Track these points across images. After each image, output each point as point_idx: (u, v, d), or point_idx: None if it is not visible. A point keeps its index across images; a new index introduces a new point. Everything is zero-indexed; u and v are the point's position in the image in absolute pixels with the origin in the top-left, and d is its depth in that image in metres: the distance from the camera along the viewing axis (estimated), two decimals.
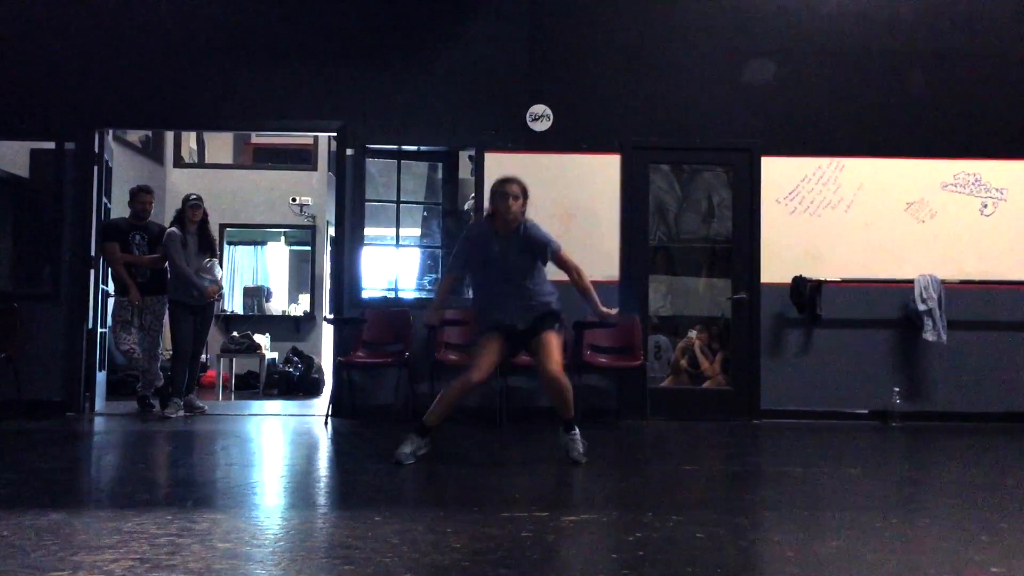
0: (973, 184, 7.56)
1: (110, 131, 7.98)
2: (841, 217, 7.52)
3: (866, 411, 7.40)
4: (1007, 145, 7.56)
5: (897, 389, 7.29)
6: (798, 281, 7.37)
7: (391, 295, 7.88)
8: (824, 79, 7.61)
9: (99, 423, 7.01)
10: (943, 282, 7.31)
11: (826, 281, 7.38)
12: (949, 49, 7.62)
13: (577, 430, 5.08)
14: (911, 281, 7.34)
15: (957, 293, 7.34)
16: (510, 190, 4.93)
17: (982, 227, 7.53)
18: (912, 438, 6.66)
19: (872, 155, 7.55)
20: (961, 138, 7.57)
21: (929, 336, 7.23)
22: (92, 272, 7.50)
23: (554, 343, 5.00)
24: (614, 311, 5.17)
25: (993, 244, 7.49)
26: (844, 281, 7.40)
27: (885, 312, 7.44)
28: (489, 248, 5.02)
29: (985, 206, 7.55)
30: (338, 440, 6.37)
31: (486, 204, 5.35)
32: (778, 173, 7.53)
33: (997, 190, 7.55)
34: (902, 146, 7.55)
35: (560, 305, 5.14)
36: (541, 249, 5.03)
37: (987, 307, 7.42)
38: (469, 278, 5.38)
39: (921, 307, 7.25)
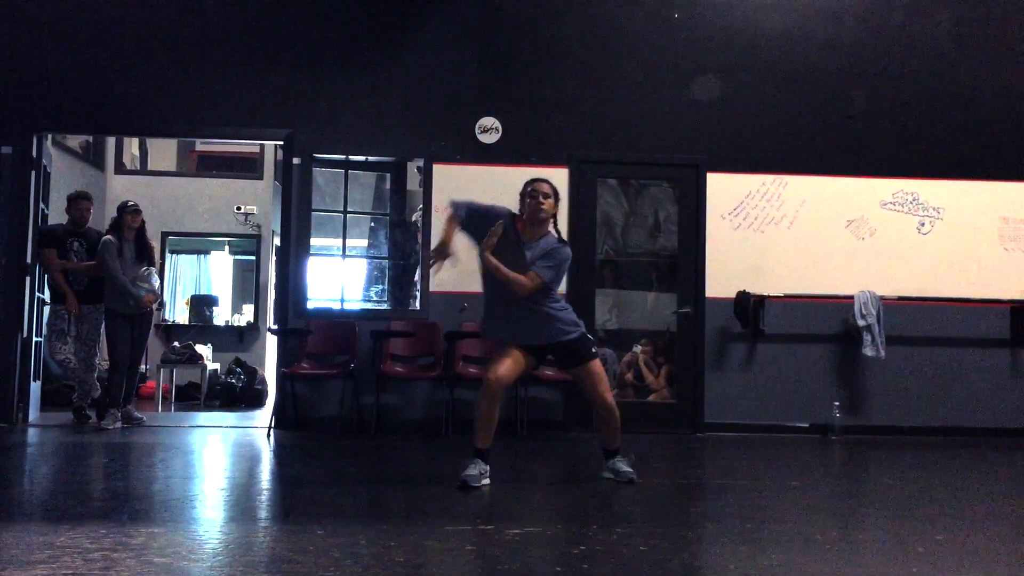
0: (911, 203, 7.74)
1: (49, 136, 7.80)
2: (784, 233, 7.64)
3: (807, 424, 7.51)
4: (944, 165, 7.75)
5: (837, 403, 7.41)
6: (742, 296, 7.46)
7: (337, 306, 7.81)
8: (769, 98, 7.74)
9: (33, 434, 6.82)
10: (882, 298, 7.47)
11: (769, 296, 7.48)
12: (889, 71, 7.80)
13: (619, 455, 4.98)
14: (851, 297, 7.48)
15: (895, 309, 7.50)
16: (540, 188, 4.72)
17: (919, 245, 7.71)
18: (851, 451, 6.77)
19: (814, 173, 7.69)
20: (900, 158, 7.75)
21: (868, 351, 7.37)
22: (28, 279, 7.31)
23: (602, 371, 4.89)
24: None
25: (930, 261, 7.67)
26: (786, 296, 7.51)
27: (826, 327, 7.57)
28: (514, 252, 4.66)
29: (922, 224, 7.74)
30: (280, 452, 6.28)
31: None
32: (723, 189, 7.63)
33: (934, 209, 7.74)
34: (843, 165, 7.71)
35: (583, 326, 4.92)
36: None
37: (924, 323, 7.60)
38: (482, 285, 4.82)
39: (861, 322, 7.39)
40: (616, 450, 4.99)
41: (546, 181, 4.81)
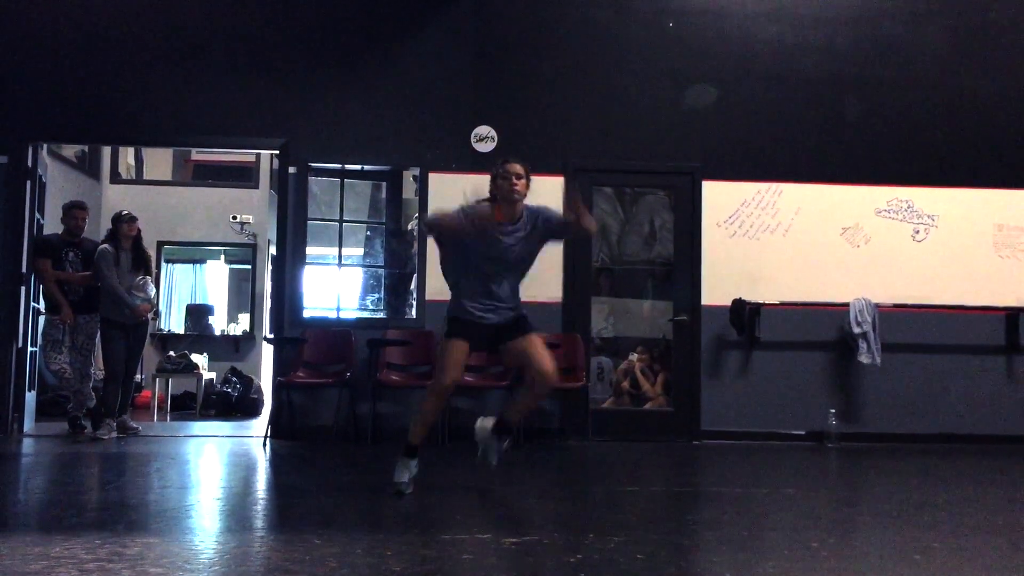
0: (906, 210, 7.76)
1: (44, 145, 7.79)
2: (779, 241, 7.65)
3: (803, 432, 7.51)
4: (938, 173, 7.78)
5: (833, 410, 7.41)
6: (738, 303, 7.47)
7: (333, 315, 7.81)
8: (764, 106, 7.76)
9: (28, 444, 6.80)
10: (877, 306, 7.48)
11: (765, 304, 7.49)
12: (883, 78, 7.83)
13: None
14: (847, 304, 7.49)
15: (891, 316, 7.50)
16: (512, 169, 4.65)
17: (914, 252, 7.72)
18: (847, 459, 6.77)
19: (809, 181, 7.71)
20: (894, 165, 7.77)
21: (864, 358, 7.38)
22: (23, 289, 7.30)
23: (544, 344, 4.76)
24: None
25: (925, 269, 7.69)
26: (782, 304, 7.52)
27: (821, 335, 7.58)
28: (492, 241, 4.62)
29: (917, 232, 7.75)
30: (276, 462, 6.27)
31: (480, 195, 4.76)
32: (719, 197, 7.64)
33: (928, 216, 7.76)
34: (838, 172, 7.73)
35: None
36: (559, 226, 4.73)
37: (919, 330, 7.61)
38: (457, 273, 4.80)
39: (856, 330, 7.40)
40: (509, 430, 4.89)
41: (518, 162, 4.72)
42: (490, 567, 3.22)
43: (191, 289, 12.14)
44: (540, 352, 4.68)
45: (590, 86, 7.70)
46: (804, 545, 3.66)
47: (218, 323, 11.65)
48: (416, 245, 7.61)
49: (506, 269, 4.70)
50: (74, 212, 7.46)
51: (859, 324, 7.40)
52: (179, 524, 4.01)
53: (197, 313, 11.49)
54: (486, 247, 4.63)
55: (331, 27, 7.64)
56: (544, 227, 4.74)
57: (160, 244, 10.99)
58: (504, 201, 4.67)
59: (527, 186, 4.71)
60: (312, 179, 7.64)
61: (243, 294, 11.90)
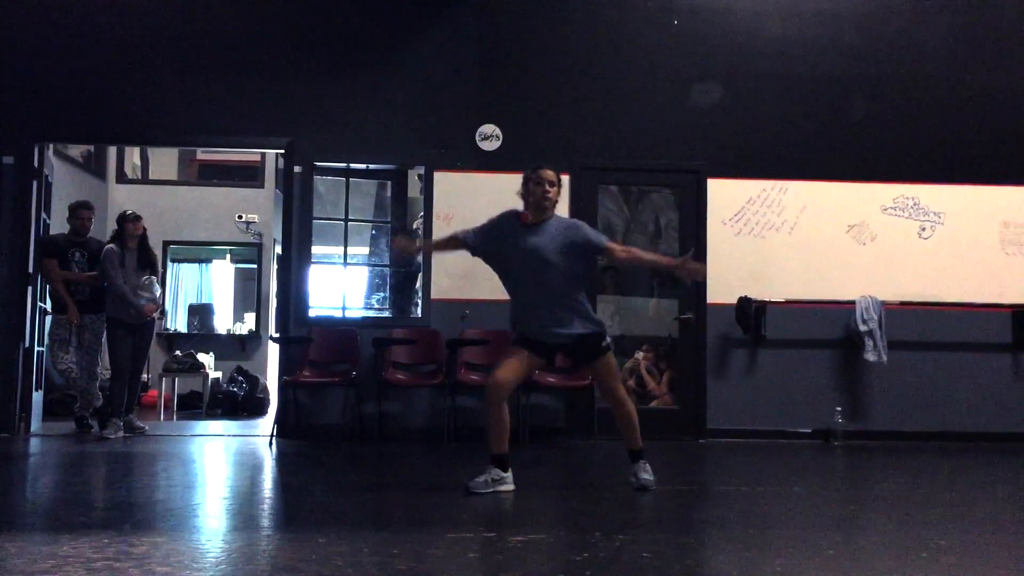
0: (912, 208, 7.74)
1: (50, 145, 7.82)
2: (785, 239, 7.64)
3: (809, 430, 7.50)
4: (944, 170, 7.76)
5: (839, 408, 7.40)
6: (743, 302, 7.46)
7: (338, 314, 7.82)
8: (769, 103, 7.75)
9: (35, 444, 6.82)
10: (883, 303, 7.46)
11: (771, 302, 7.48)
12: (889, 75, 7.81)
13: (645, 459, 4.90)
14: (853, 302, 7.48)
15: (897, 314, 7.49)
16: (545, 175, 4.74)
17: (921, 250, 7.70)
18: (854, 457, 6.76)
19: (815, 178, 7.69)
20: (900, 163, 7.76)
21: (870, 356, 7.37)
22: (30, 289, 7.32)
23: (612, 366, 4.85)
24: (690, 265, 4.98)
25: (931, 266, 7.67)
26: (788, 302, 7.51)
27: (828, 332, 7.57)
28: (519, 239, 4.71)
29: (923, 229, 7.74)
30: (283, 461, 6.28)
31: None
32: (724, 195, 7.64)
33: (935, 214, 7.74)
34: (844, 170, 7.71)
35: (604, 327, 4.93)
36: (590, 248, 4.77)
37: (925, 328, 7.59)
38: (502, 282, 4.90)
39: (862, 328, 7.39)
40: (638, 451, 4.92)
41: (551, 168, 4.82)
42: (496, 565, 3.22)
43: (197, 289, 12.17)
44: (609, 381, 4.88)
45: (595, 84, 7.70)
46: (811, 543, 3.65)
47: (224, 322, 11.68)
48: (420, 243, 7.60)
49: (541, 274, 4.69)
50: (80, 212, 7.49)
51: (865, 322, 7.39)
52: (186, 523, 4.02)
53: (199, 312, 11.51)
54: (511, 249, 4.73)
55: (336, 27, 7.64)
56: (584, 247, 4.77)
57: (166, 244, 11.02)
58: (534, 207, 4.77)
59: (559, 193, 4.83)
60: (317, 178, 7.65)
61: (249, 293, 11.93)
